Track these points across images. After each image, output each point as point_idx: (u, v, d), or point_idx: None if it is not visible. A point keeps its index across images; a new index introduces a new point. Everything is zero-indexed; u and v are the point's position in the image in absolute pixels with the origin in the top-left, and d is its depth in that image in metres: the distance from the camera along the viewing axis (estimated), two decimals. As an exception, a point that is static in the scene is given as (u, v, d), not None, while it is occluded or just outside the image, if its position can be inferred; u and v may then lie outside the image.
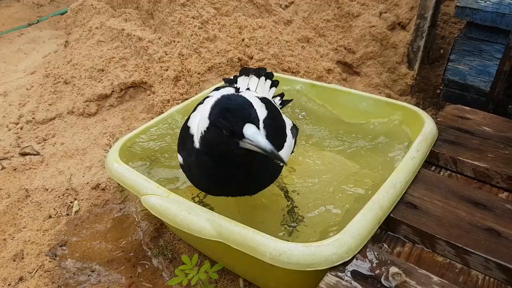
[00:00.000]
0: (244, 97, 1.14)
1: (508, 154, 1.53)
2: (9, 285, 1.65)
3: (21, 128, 2.60)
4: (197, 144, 1.20)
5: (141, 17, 2.77)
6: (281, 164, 1.16)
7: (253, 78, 1.74)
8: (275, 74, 2.08)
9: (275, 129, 1.30)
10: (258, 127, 1.06)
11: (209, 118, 1.11)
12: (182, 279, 1.21)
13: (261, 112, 1.24)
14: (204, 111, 1.18)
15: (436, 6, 2.31)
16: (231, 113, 1.07)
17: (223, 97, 1.13)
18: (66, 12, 4.93)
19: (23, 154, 2.41)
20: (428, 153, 1.49)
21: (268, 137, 1.06)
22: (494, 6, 1.90)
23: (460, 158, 1.51)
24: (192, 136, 1.25)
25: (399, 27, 2.49)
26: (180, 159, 1.34)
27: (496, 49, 1.99)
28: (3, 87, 3.13)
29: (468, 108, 1.82)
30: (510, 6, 1.87)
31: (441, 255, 1.21)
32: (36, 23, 4.76)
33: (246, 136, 1.04)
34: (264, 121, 1.20)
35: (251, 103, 1.12)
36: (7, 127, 2.63)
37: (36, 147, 2.47)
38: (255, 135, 1.04)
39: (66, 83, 2.76)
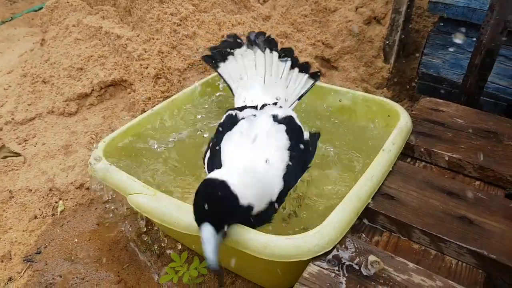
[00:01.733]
0: (219, 182, 1.02)
1: (480, 145, 1.61)
2: (-2, 286, 1.66)
3: (1, 129, 2.58)
4: None
5: (119, 14, 2.76)
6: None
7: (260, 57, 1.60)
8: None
9: (297, 162, 1.25)
10: (217, 227, 0.97)
11: None
12: (172, 277, 1.24)
13: (281, 154, 1.22)
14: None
15: (410, 0, 2.38)
16: (195, 205, 1.01)
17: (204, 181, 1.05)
18: (41, 8, 4.85)
19: (3, 158, 2.39)
20: (403, 145, 1.55)
21: (288, 174, 1.06)
22: (465, 1, 1.97)
23: (434, 150, 1.58)
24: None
25: (375, 22, 2.56)
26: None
27: (468, 43, 2.07)
28: (-20, 88, 3.08)
29: (442, 100, 1.89)
30: (480, 1, 1.95)
31: (417, 243, 1.28)
32: (10, 20, 4.67)
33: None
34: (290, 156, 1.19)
35: (223, 190, 1.00)
36: (-14, 128, 2.61)
37: (15, 147, 2.45)
38: (204, 241, 0.96)
39: (45, 82, 2.73)
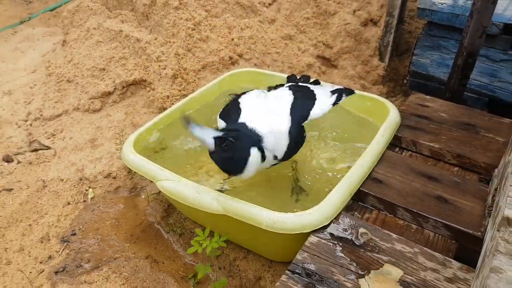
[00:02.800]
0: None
1: (459, 136, 1.85)
2: (40, 262, 1.91)
3: (31, 125, 2.83)
4: None
5: (137, 19, 3.00)
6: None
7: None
8: (262, 71, 2.36)
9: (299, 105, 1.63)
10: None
11: None
12: (197, 248, 1.49)
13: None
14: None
15: (403, 4, 2.60)
16: (243, 141, 1.45)
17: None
18: (56, 8, 5.10)
19: (34, 150, 2.65)
20: (392, 137, 1.79)
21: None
22: (449, 8, 2.19)
23: (419, 141, 1.82)
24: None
25: (371, 24, 2.78)
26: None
27: (452, 45, 2.30)
28: (7, 86, 3.32)
29: (428, 97, 2.12)
30: (463, 7, 2.18)
31: (400, 219, 1.52)
32: (28, 20, 4.91)
33: None
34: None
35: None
36: (17, 124, 2.86)
37: (45, 141, 2.71)
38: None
39: (69, 81, 2.98)
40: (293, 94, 1.71)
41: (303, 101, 1.66)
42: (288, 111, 1.60)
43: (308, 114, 1.61)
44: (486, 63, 2.21)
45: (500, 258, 0.76)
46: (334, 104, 1.66)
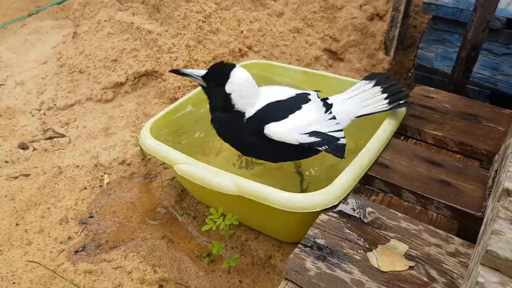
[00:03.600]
0: None
1: (461, 125, 1.93)
2: (60, 242, 2.00)
3: (44, 114, 2.92)
4: None
5: (148, 11, 3.08)
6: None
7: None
8: (271, 62, 2.44)
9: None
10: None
11: None
12: (211, 226, 1.58)
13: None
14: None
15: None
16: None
17: None
18: (63, 1, 5.17)
19: (48, 138, 2.73)
20: (397, 126, 1.88)
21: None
22: (454, 3, 2.28)
23: (423, 129, 1.91)
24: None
25: (377, 18, 2.86)
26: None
27: (456, 39, 2.38)
28: (19, 77, 3.40)
29: (432, 88, 2.21)
30: (467, 2, 2.26)
31: (405, 201, 1.61)
32: (36, 13, 4.98)
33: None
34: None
35: None
36: (30, 113, 2.94)
37: (59, 130, 2.79)
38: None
39: (81, 72, 3.07)
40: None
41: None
42: None
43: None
44: (489, 56, 2.29)
45: (500, 223, 0.84)
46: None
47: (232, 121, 1.72)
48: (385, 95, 1.86)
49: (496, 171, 1.50)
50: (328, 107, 1.75)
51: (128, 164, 2.39)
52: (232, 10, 2.85)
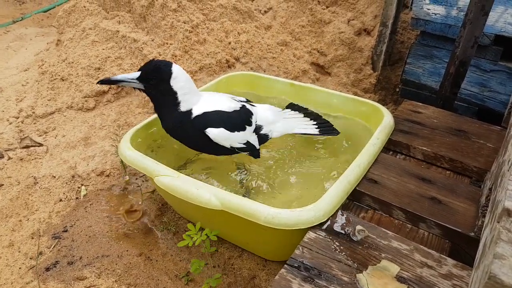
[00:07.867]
0: None
1: (451, 141, 1.90)
2: (31, 258, 1.88)
3: (22, 122, 2.80)
4: None
5: (134, 20, 3.01)
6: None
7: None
8: (258, 74, 2.39)
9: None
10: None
11: None
12: (188, 242, 1.49)
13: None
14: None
15: (396, 15, 2.67)
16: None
17: None
18: (49, 10, 5.09)
19: (25, 147, 2.62)
20: (386, 140, 1.83)
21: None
22: (442, 19, 2.27)
23: (413, 145, 1.87)
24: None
25: (364, 33, 2.84)
26: None
27: (444, 54, 2.36)
28: (-2, 83, 3.30)
29: (421, 103, 2.18)
30: (455, 18, 2.25)
31: (396, 219, 1.55)
32: (20, 20, 4.89)
33: None
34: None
35: None
36: (8, 120, 2.82)
37: (36, 138, 2.68)
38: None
39: (63, 80, 2.97)
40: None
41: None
42: None
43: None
44: (477, 73, 2.28)
45: (502, 246, 0.78)
46: None
47: (182, 119, 1.76)
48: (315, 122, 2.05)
49: (490, 189, 1.45)
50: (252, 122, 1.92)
51: (107, 176, 2.29)
52: (220, 21, 2.80)
